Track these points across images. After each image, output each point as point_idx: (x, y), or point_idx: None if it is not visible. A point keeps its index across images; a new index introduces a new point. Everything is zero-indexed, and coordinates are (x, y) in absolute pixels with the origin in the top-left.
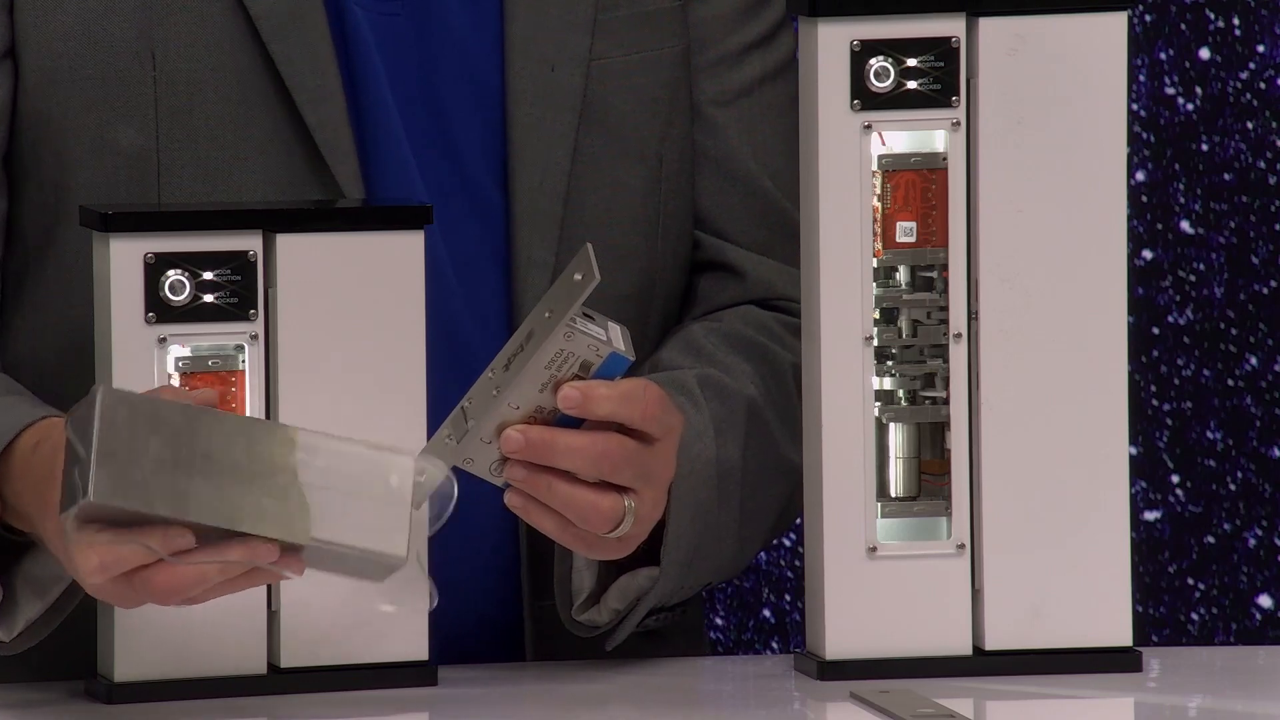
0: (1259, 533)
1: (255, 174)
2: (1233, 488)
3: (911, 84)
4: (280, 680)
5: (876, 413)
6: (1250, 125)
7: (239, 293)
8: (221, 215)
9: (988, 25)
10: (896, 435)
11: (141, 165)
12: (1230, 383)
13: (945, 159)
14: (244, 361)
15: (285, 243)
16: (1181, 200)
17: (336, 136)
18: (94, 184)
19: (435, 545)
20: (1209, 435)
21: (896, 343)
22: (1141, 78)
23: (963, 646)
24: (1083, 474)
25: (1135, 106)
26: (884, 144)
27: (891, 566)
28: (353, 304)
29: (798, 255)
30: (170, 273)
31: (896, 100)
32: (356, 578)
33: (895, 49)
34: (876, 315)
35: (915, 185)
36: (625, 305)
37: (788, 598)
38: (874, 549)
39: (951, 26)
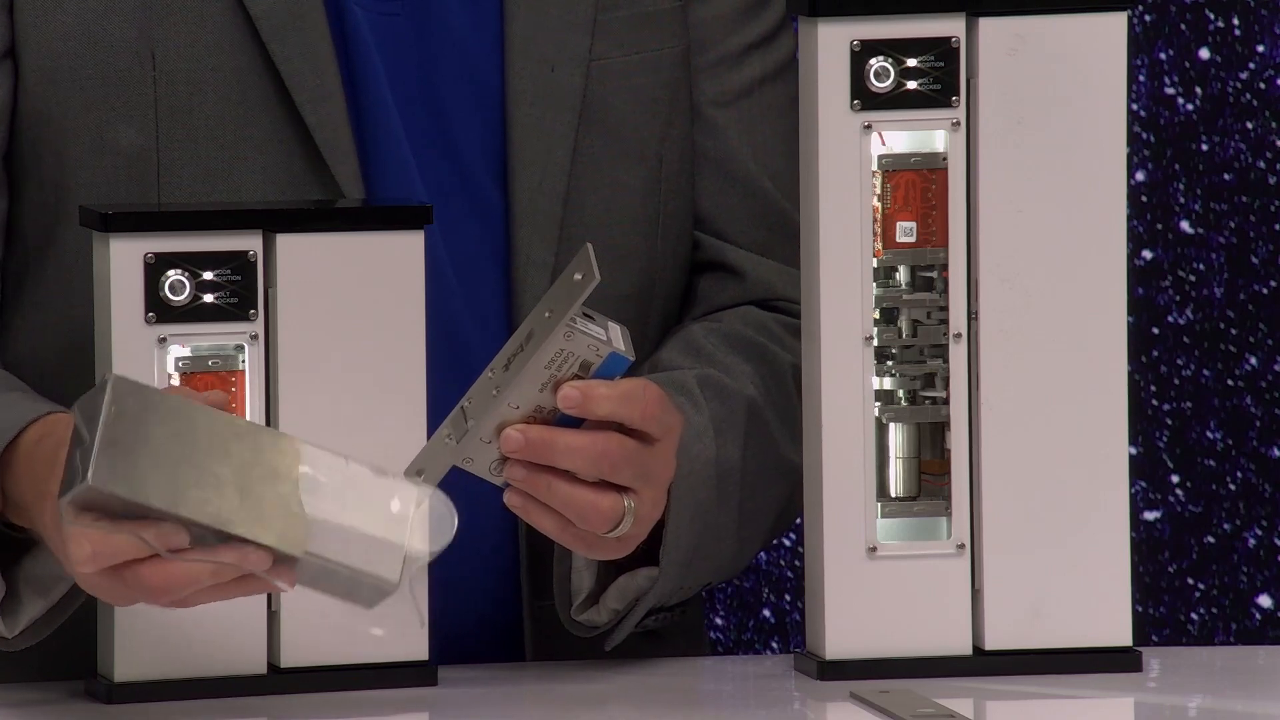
0: (1259, 533)
1: (255, 174)
2: (1233, 488)
3: (911, 84)
4: (280, 680)
5: (876, 413)
6: (1250, 125)
7: (239, 293)
8: (221, 215)
9: (988, 25)
10: (896, 435)
11: (141, 165)
12: (1230, 383)
13: (945, 159)
14: (244, 361)
15: (285, 243)
16: (1181, 200)
17: (336, 136)
18: (94, 184)
19: None
20: (1209, 435)
21: (896, 343)
22: (1141, 78)
23: (963, 646)
24: (1083, 474)
25: (1135, 106)
26: (884, 144)
27: (891, 566)
28: (353, 304)
29: (797, 256)
30: (170, 273)
31: (896, 100)
32: (346, 600)
33: (895, 49)
34: (876, 315)
35: (915, 185)
36: (625, 305)
37: (788, 598)
38: (874, 549)
39: (951, 26)
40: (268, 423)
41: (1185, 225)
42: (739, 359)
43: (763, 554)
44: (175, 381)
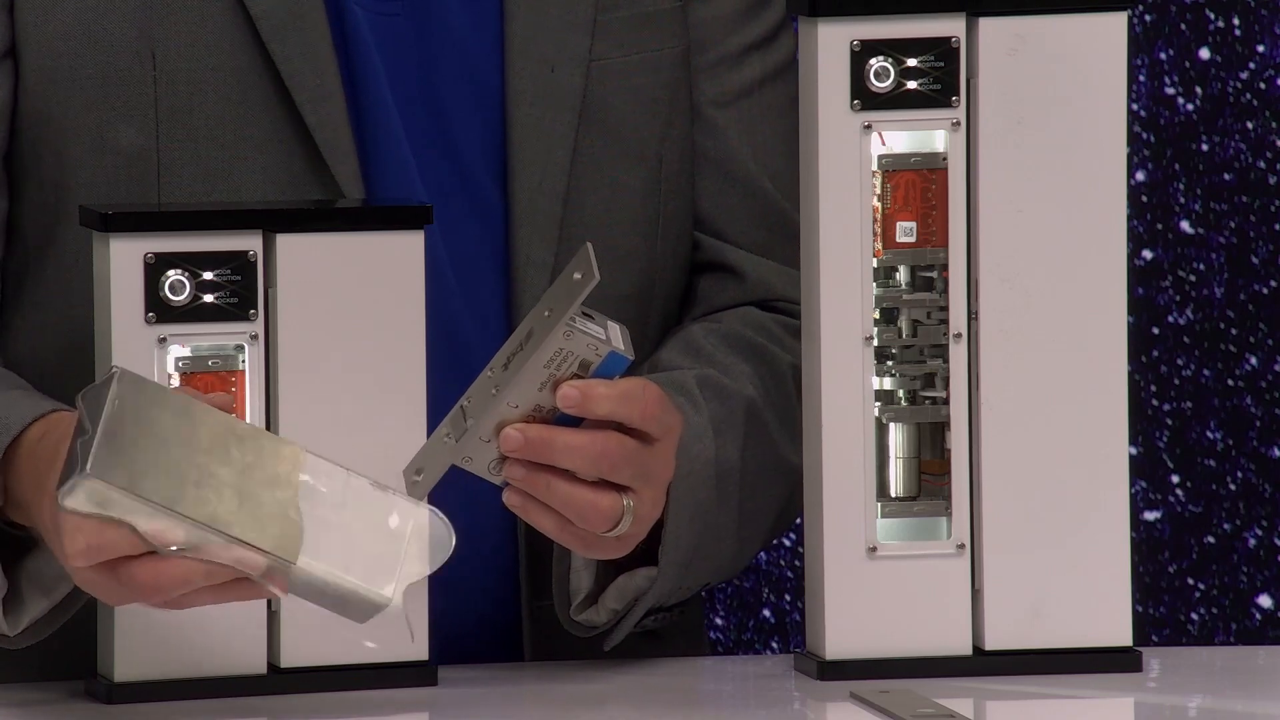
0: (1259, 533)
1: (255, 174)
2: (1233, 488)
3: (911, 84)
4: (280, 680)
5: (876, 413)
6: (1250, 125)
7: (239, 293)
8: (221, 215)
9: (988, 25)
10: (896, 435)
11: (141, 165)
12: (1230, 383)
13: (945, 159)
14: (244, 361)
15: (285, 243)
16: (1181, 200)
17: (336, 136)
18: (94, 183)
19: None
20: (1209, 435)
21: (896, 343)
22: (1141, 78)
23: (963, 646)
24: (1083, 474)
25: (1135, 106)
26: (884, 144)
27: (891, 566)
28: (353, 304)
29: (797, 256)
30: (170, 273)
31: (896, 100)
32: (338, 612)
33: (895, 49)
34: (876, 315)
35: (915, 185)
36: (625, 305)
37: (788, 598)
38: (874, 549)
39: (951, 26)
40: (268, 423)
41: (1185, 225)
42: (738, 359)
43: (763, 554)
44: (175, 382)
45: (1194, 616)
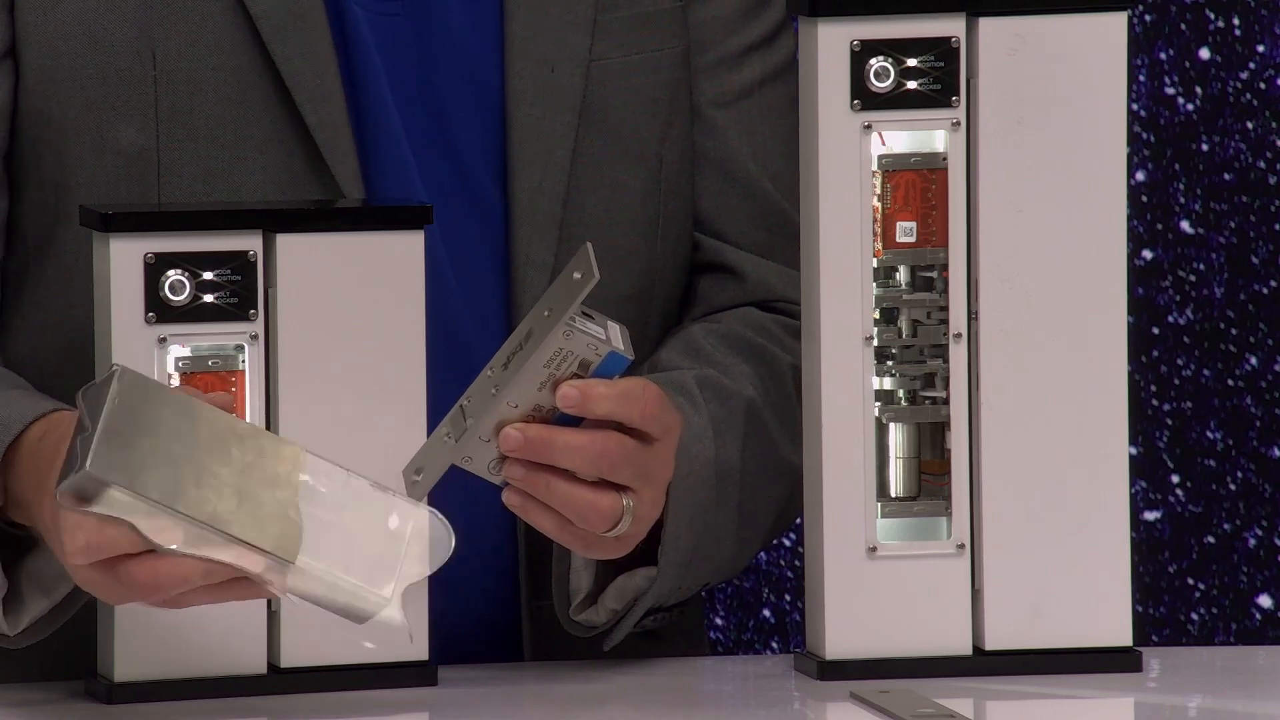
0: (1259, 533)
1: (255, 174)
2: (1233, 488)
3: (911, 84)
4: (280, 680)
5: (876, 413)
6: (1250, 125)
7: (239, 293)
8: (221, 215)
9: (988, 25)
10: (896, 435)
11: (141, 165)
12: (1230, 383)
13: (945, 159)
14: (244, 361)
15: (285, 243)
16: (1181, 200)
17: (336, 136)
18: (94, 183)
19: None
20: (1209, 435)
21: (896, 343)
22: (1141, 78)
23: (963, 646)
24: (1083, 474)
25: (1135, 106)
26: (884, 144)
27: (891, 566)
28: (353, 304)
29: (797, 257)
30: (170, 273)
31: (896, 100)
32: (337, 613)
33: (895, 49)
34: (876, 315)
35: (915, 185)
36: (625, 306)
37: (788, 598)
38: (874, 549)
39: (951, 26)
40: (268, 423)
41: (1185, 225)
42: (738, 360)
43: (763, 554)
44: (175, 381)
45: (1194, 616)
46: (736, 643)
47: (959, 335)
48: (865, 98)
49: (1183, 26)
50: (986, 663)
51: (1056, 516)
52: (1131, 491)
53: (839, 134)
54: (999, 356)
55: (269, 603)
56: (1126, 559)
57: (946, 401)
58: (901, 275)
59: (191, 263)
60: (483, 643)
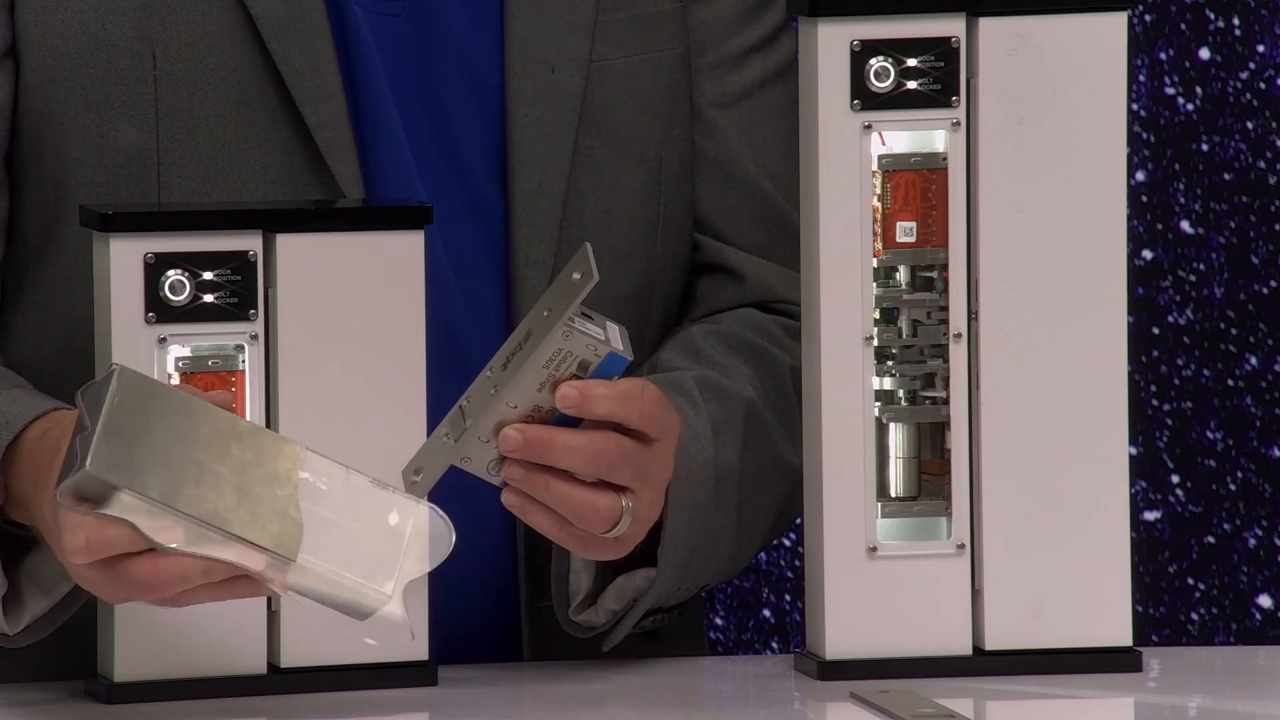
0: (1259, 533)
1: (255, 173)
2: (1233, 488)
3: (911, 84)
4: (280, 680)
5: (876, 413)
6: (1250, 125)
7: (239, 293)
8: (221, 215)
9: (988, 25)
10: (896, 435)
11: (141, 164)
12: (1230, 383)
13: (945, 159)
14: (244, 361)
15: (285, 243)
16: (1181, 200)
17: (336, 136)
18: (94, 183)
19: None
20: (1209, 435)
21: (896, 343)
22: (1141, 78)
23: (963, 646)
24: (1083, 474)
25: (1135, 106)
26: (884, 144)
27: (891, 566)
28: (353, 304)
29: (797, 258)
30: (170, 273)
31: (896, 100)
32: (337, 610)
33: (895, 49)
34: (876, 315)
35: (915, 185)
36: (624, 306)
37: (788, 598)
38: (874, 549)
39: (951, 26)
40: (268, 423)
41: (1185, 225)
42: (738, 361)
43: (763, 554)
44: (175, 382)
45: (1194, 616)
46: (736, 643)
47: (959, 335)
48: (865, 98)
49: (1183, 26)
50: (986, 663)
51: (1056, 516)
52: (1131, 491)
53: (839, 134)
54: (999, 356)
55: (269, 602)
56: (1126, 559)
57: (946, 401)
58: (901, 275)
59: (191, 263)
60: (482, 643)
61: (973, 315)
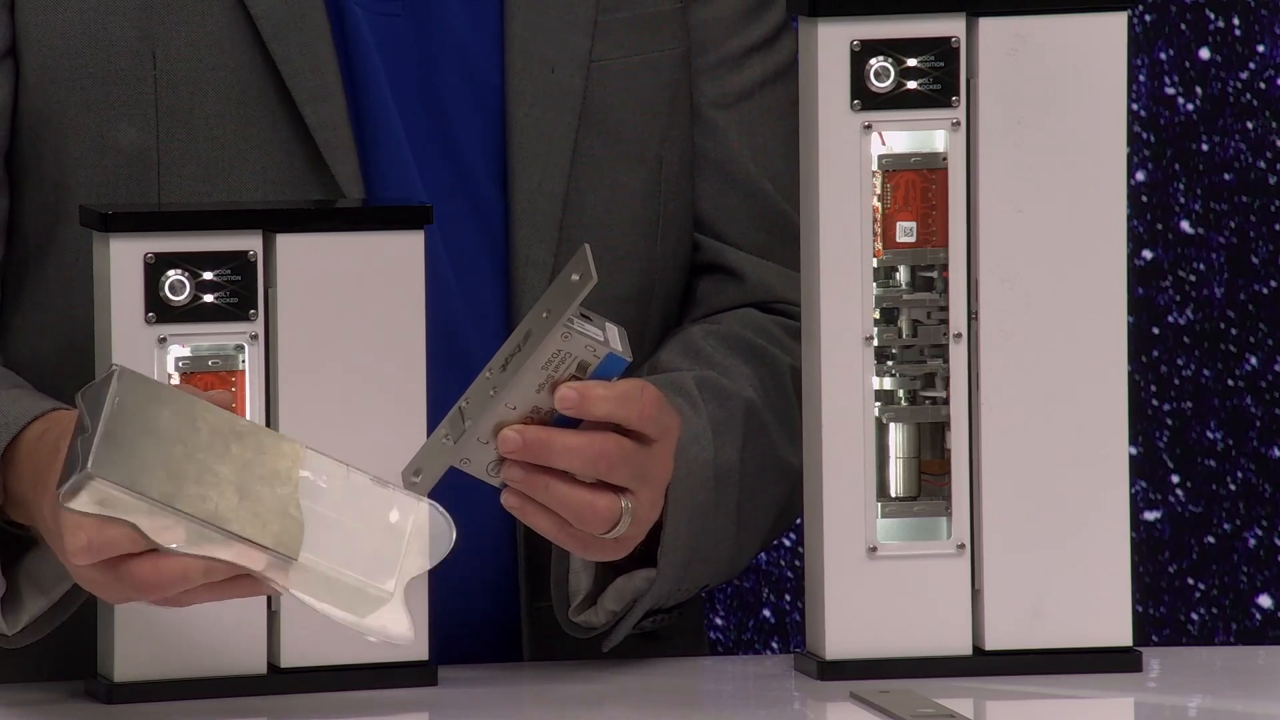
0: (1259, 533)
1: (255, 173)
2: (1233, 488)
3: (911, 84)
4: (280, 680)
5: (876, 413)
6: (1250, 125)
7: (239, 293)
8: (221, 215)
9: (988, 25)
10: (896, 435)
11: (141, 164)
12: (1230, 383)
13: (945, 159)
14: (244, 361)
15: (285, 243)
16: (1181, 200)
17: (336, 136)
18: (94, 183)
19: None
20: (1209, 435)
21: (896, 343)
22: (1141, 78)
23: (963, 646)
24: (1083, 474)
25: (1135, 106)
26: (884, 144)
27: (891, 566)
28: (353, 304)
29: (797, 258)
30: (170, 273)
31: (896, 100)
32: (339, 608)
33: (895, 49)
34: (876, 315)
35: (915, 185)
36: (624, 307)
37: (788, 598)
38: (874, 549)
39: (951, 26)
40: (268, 423)
41: (1185, 225)
42: (738, 361)
43: (763, 554)
44: (175, 381)
45: (1194, 616)
46: (736, 643)
47: (959, 335)
48: (865, 98)
49: (1183, 26)
50: (986, 663)
51: (1056, 516)
52: (1131, 491)
53: (839, 134)
54: (999, 356)
55: (269, 602)
56: (1126, 559)
57: (946, 401)
58: (901, 275)
59: (191, 263)
60: (482, 643)
61: (973, 315)
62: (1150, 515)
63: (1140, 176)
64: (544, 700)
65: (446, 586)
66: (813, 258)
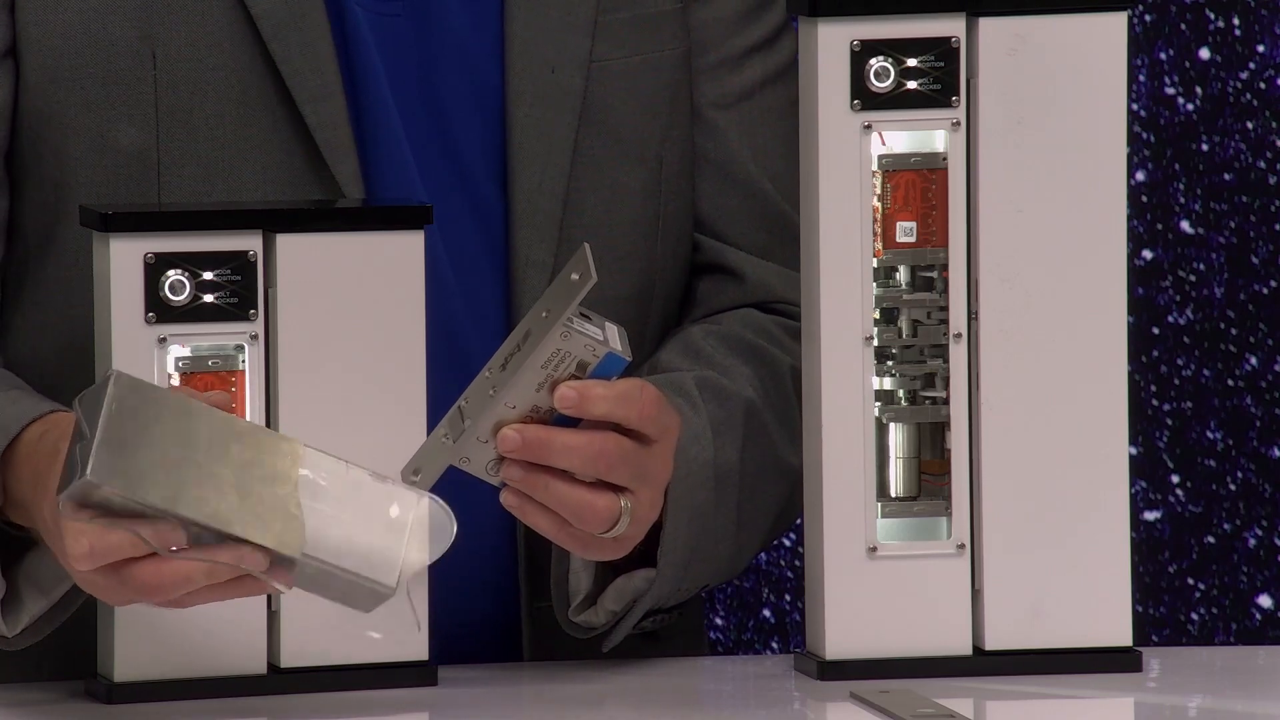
0: (1259, 533)
1: (255, 173)
2: (1233, 488)
3: (911, 84)
4: (280, 680)
5: (876, 413)
6: (1250, 125)
7: (239, 293)
8: (221, 215)
9: (988, 25)
10: (896, 435)
11: (142, 164)
12: (1230, 383)
13: (945, 159)
14: (244, 361)
15: (285, 243)
16: (1181, 200)
17: (336, 136)
18: (94, 183)
19: None
20: (1209, 435)
21: (896, 343)
22: (1141, 78)
23: (963, 646)
24: (1083, 474)
25: (1135, 106)
26: (884, 144)
27: (891, 566)
28: (353, 304)
29: (797, 258)
30: (170, 273)
31: (896, 100)
32: (343, 603)
33: (895, 49)
34: (876, 315)
35: (915, 185)
36: (624, 307)
37: (788, 598)
38: (874, 549)
39: (951, 26)
40: (268, 423)
41: (1185, 225)
42: (738, 361)
43: (763, 554)
44: (175, 381)
45: (1194, 616)
46: (736, 643)
47: (959, 335)
48: (865, 98)
49: (1183, 26)
50: (986, 663)
51: (1056, 516)
52: (1131, 491)
53: (839, 134)
54: (999, 356)
55: (269, 602)
56: (1126, 559)
57: (946, 401)
58: (901, 275)
59: (191, 263)
60: (482, 643)
61: (973, 315)
62: (1150, 515)
63: (1140, 176)
64: (544, 700)
65: (446, 586)
66: (813, 258)
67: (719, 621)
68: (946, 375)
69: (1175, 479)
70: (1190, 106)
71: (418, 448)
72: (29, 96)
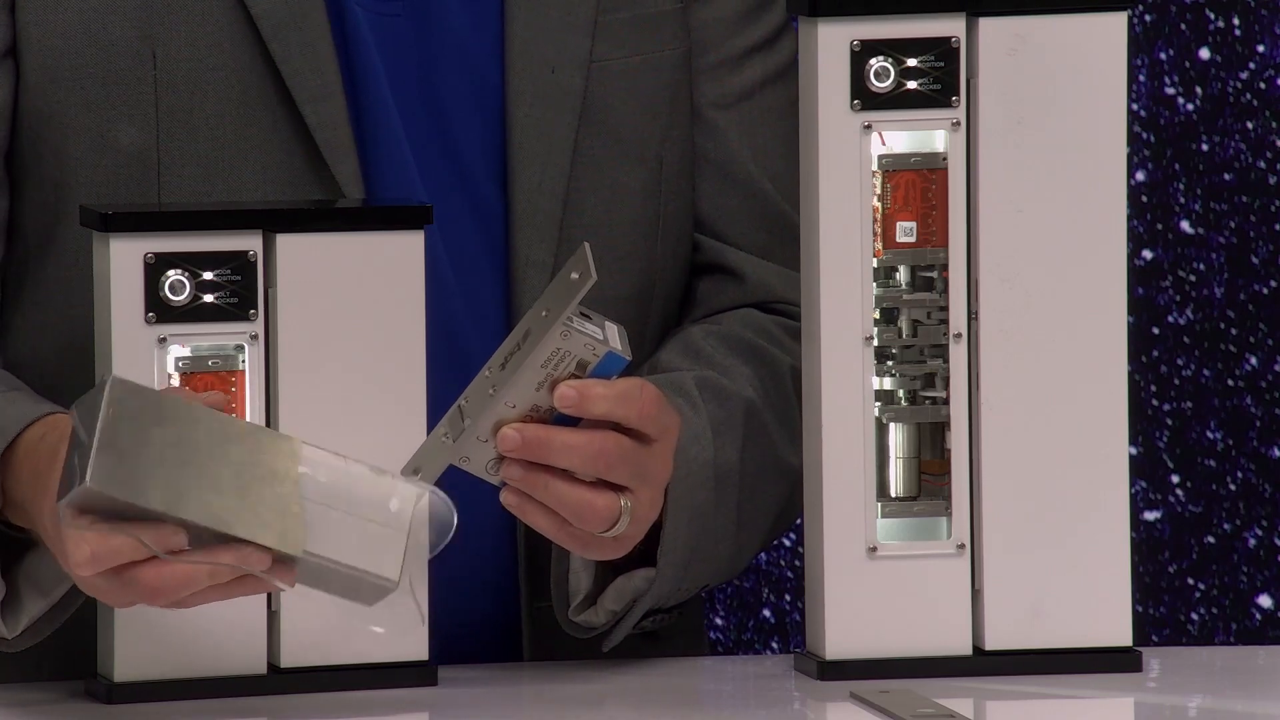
0: (1259, 533)
1: (255, 173)
2: (1233, 488)
3: (911, 84)
4: (280, 680)
5: (876, 413)
6: (1250, 125)
7: (239, 293)
8: (221, 215)
9: (988, 25)
10: (896, 435)
11: (142, 164)
12: (1230, 383)
13: (945, 159)
14: (244, 361)
15: (285, 243)
16: (1181, 200)
17: (336, 136)
18: (94, 183)
19: None
20: (1209, 435)
21: (896, 343)
22: (1141, 78)
23: (963, 646)
24: (1083, 474)
25: (1135, 106)
26: (884, 144)
27: (891, 566)
28: (353, 304)
29: (797, 258)
30: (170, 273)
31: (896, 100)
32: (346, 598)
33: (895, 49)
34: (876, 315)
35: (915, 185)
36: (624, 307)
37: (788, 598)
38: (874, 549)
39: (951, 26)
40: (268, 423)
41: (1185, 225)
42: (738, 361)
43: (763, 554)
44: (175, 382)
45: (1194, 616)
46: (736, 643)
47: (959, 335)
48: (865, 98)
49: (1183, 26)
50: (986, 663)
51: (1056, 516)
52: (1131, 491)
53: (839, 134)
54: (999, 356)
55: (269, 602)
56: (1126, 559)
57: (946, 401)
58: (901, 275)
59: (191, 263)
60: (482, 643)
61: (973, 315)
62: (1150, 515)
63: (1140, 176)
64: (544, 700)
65: (447, 586)
66: (813, 258)
67: (719, 621)
68: (946, 375)
69: (1175, 479)
70: (1190, 106)
71: (418, 447)
72: (29, 96)
